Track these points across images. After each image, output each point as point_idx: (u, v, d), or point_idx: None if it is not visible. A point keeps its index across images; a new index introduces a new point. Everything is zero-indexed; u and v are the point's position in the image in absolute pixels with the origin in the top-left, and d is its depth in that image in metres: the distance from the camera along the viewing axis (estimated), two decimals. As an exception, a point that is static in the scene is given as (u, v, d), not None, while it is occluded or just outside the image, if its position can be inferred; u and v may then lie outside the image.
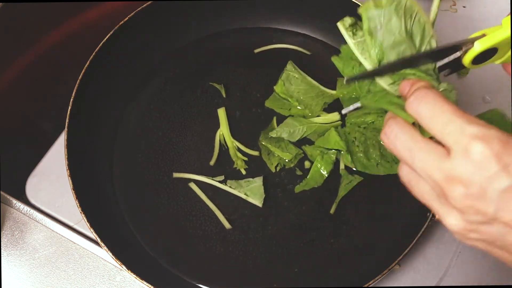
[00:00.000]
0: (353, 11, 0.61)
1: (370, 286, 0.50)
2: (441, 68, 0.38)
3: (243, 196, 0.57)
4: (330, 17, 0.65)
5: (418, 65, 0.38)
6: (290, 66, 0.62)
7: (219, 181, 0.57)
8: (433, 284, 0.57)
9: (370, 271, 0.52)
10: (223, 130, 0.60)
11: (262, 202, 0.56)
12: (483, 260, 0.58)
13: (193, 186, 0.58)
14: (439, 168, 0.30)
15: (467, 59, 0.36)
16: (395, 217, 0.56)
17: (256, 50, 0.65)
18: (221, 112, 0.61)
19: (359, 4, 0.60)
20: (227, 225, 0.56)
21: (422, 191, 0.32)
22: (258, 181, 0.57)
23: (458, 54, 0.36)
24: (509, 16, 0.35)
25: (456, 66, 0.37)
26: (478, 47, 0.35)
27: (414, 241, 0.51)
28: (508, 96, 0.65)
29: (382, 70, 0.37)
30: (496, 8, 0.72)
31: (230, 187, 0.57)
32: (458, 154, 0.29)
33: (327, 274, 0.55)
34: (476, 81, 0.67)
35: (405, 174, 0.33)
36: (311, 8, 0.65)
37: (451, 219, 0.30)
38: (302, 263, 0.55)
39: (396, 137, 0.32)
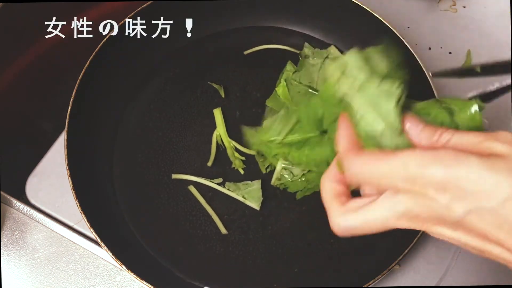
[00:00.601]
0: (352, 11, 0.61)
1: (370, 286, 0.50)
2: (494, 95, 0.37)
3: (241, 199, 0.57)
4: (330, 17, 0.65)
5: (499, 73, 0.36)
6: (290, 67, 0.62)
7: (218, 183, 0.57)
8: (433, 284, 0.57)
9: (370, 271, 0.52)
10: (220, 130, 0.60)
11: (260, 205, 0.56)
12: (483, 260, 0.58)
13: (192, 189, 0.58)
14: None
15: None
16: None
17: (246, 52, 0.65)
18: (217, 112, 0.61)
19: (359, 4, 0.60)
20: (223, 230, 0.56)
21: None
22: (256, 184, 0.57)
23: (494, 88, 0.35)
24: None
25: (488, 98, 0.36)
26: None
27: (414, 241, 0.51)
28: (508, 96, 0.65)
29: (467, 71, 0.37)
30: (496, 8, 0.72)
31: (228, 189, 0.57)
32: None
33: (327, 274, 0.55)
34: (476, 81, 0.67)
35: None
36: (311, 8, 0.65)
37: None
38: (302, 263, 0.55)
39: (360, 171, 0.33)
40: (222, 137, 0.60)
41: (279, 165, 0.56)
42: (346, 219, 0.33)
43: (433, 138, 0.32)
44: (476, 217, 0.28)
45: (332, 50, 0.62)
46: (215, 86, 0.63)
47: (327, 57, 0.61)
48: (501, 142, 0.29)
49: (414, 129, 0.34)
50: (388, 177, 0.30)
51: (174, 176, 0.58)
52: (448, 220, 0.29)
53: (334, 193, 0.35)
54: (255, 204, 0.56)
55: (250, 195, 0.57)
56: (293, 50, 0.65)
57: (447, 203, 0.28)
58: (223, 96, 0.63)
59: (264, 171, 0.58)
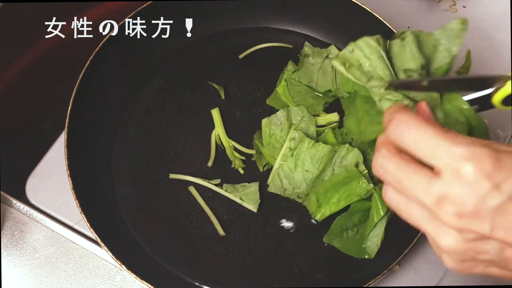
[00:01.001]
0: (352, 11, 0.61)
1: (370, 286, 0.50)
2: (470, 103, 0.37)
3: (238, 201, 0.56)
4: (330, 17, 0.65)
5: (448, 90, 0.37)
6: (290, 66, 0.62)
7: (216, 184, 0.57)
8: (433, 284, 0.57)
9: (370, 271, 0.52)
10: (218, 130, 0.60)
11: (257, 208, 0.56)
12: (483, 260, 0.58)
13: (192, 190, 0.58)
14: (429, 191, 0.29)
15: (497, 98, 0.35)
16: (395, 217, 0.56)
17: (241, 56, 0.65)
18: (215, 113, 0.61)
19: (359, 4, 0.60)
20: (221, 232, 0.56)
21: (412, 214, 0.32)
22: (254, 187, 0.57)
23: (489, 90, 0.35)
24: None
25: (485, 104, 0.36)
26: (509, 88, 0.34)
27: (414, 241, 0.51)
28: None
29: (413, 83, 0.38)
30: (496, 8, 0.72)
31: (226, 190, 0.57)
32: (448, 176, 0.29)
33: (327, 274, 0.55)
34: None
35: (392, 199, 0.33)
36: (311, 8, 0.65)
37: (445, 240, 0.30)
38: (302, 263, 0.55)
39: (384, 170, 0.32)
40: (220, 137, 0.60)
41: (277, 164, 0.56)
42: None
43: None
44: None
45: (333, 49, 0.62)
46: (216, 86, 0.63)
47: (327, 56, 0.61)
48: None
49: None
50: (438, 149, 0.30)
51: (172, 176, 0.58)
52: (485, 209, 0.28)
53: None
54: (252, 206, 0.56)
55: (247, 197, 0.57)
56: (284, 45, 0.65)
57: (488, 190, 0.28)
58: (223, 97, 0.63)
59: (261, 169, 0.58)
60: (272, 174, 0.57)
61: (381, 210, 0.52)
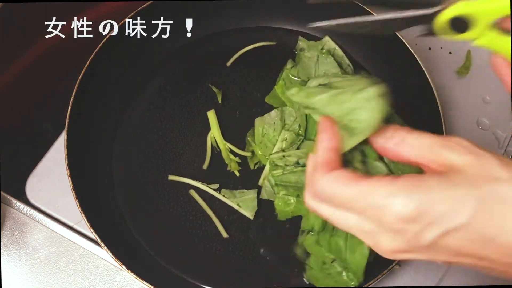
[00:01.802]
0: (352, 11, 0.61)
1: (370, 286, 0.50)
2: (409, 22, 0.34)
3: (236, 207, 0.56)
4: (330, 17, 0.65)
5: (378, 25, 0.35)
6: (290, 65, 0.62)
7: (214, 189, 0.57)
8: (433, 284, 0.57)
9: (370, 271, 0.52)
10: (214, 133, 0.60)
11: (254, 215, 0.56)
12: (483, 260, 0.58)
13: (192, 193, 0.58)
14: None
15: (440, 20, 0.33)
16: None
17: (236, 56, 0.65)
18: (211, 114, 0.61)
19: (359, 4, 0.60)
20: (224, 234, 0.56)
21: (348, 224, 0.32)
22: (252, 194, 0.57)
23: (428, 11, 0.33)
24: None
25: (427, 29, 0.34)
26: (449, 12, 0.32)
27: (414, 241, 0.51)
28: (508, 96, 0.65)
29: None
30: (496, 8, 0.72)
31: (224, 196, 0.57)
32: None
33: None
34: (476, 81, 0.67)
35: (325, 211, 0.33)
36: (310, 8, 0.65)
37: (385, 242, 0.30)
38: (302, 263, 0.55)
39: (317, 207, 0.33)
40: (216, 139, 0.60)
41: (268, 164, 0.56)
42: (330, 185, 0.32)
43: (386, 135, 0.31)
44: (447, 238, 0.27)
45: (327, 40, 0.62)
46: (214, 89, 0.63)
47: (322, 48, 0.61)
48: (457, 151, 0.28)
49: None
50: (353, 202, 0.30)
51: (171, 178, 0.58)
52: (417, 248, 0.28)
53: (326, 159, 0.33)
54: (249, 214, 0.56)
55: (245, 203, 0.56)
56: (269, 43, 0.65)
57: (416, 232, 0.28)
58: (220, 101, 0.63)
59: (252, 167, 0.58)
60: (263, 176, 0.57)
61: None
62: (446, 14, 0.32)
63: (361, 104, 0.34)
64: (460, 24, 0.33)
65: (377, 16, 0.34)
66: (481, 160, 0.27)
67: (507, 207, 0.26)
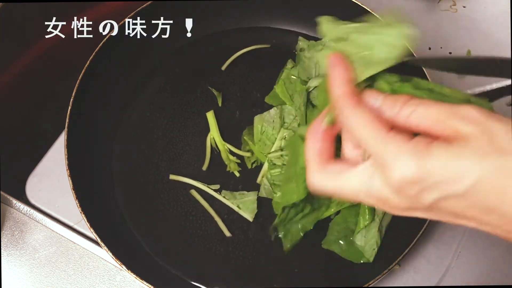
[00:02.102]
0: (352, 11, 0.61)
1: (370, 286, 0.50)
2: (501, 92, 0.34)
3: (235, 209, 0.56)
4: (328, 16, 0.65)
5: (474, 72, 0.34)
6: (290, 65, 0.62)
7: (215, 190, 0.57)
8: (433, 284, 0.57)
9: (370, 271, 0.52)
10: (213, 134, 0.60)
11: (253, 217, 0.56)
12: (483, 260, 0.58)
13: (194, 193, 0.58)
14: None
15: None
16: (395, 217, 0.56)
17: (223, 67, 0.65)
18: (210, 115, 0.61)
19: (359, 4, 0.60)
20: (227, 233, 0.56)
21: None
22: (252, 196, 0.57)
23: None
24: None
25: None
26: None
27: (414, 241, 0.51)
28: (508, 96, 0.65)
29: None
30: (496, 8, 0.72)
31: (224, 197, 0.57)
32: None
33: (327, 274, 0.55)
34: (476, 81, 0.67)
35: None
36: (310, 8, 0.65)
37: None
38: (302, 263, 0.55)
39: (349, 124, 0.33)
40: (216, 140, 0.60)
41: (266, 165, 0.56)
42: (321, 180, 0.33)
43: (395, 109, 0.31)
44: (446, 202, 0.29)
45: (327, 40, 0.61)
46: (214, 92, 0.63)
47: (322, 48, 0.61)
48: (466, 121, 0.28)
49: (374, 101, 0.33)
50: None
51: (172, 177, 0.58)
52: (419, 206, 0.30)
53: (317, 150, 0.34)
54: (248, 216, 0.56)
55: (245, 205, 0.56)
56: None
57: (415, 194, 0.29)
58: (220, 104, 0.63)
59: (249, 166, 0.58)
60: (262, 174, 0.57)
61: (367, 216, 0.52)
62: None
63: (385, 37, 0.34)
64: None
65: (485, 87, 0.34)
66: (488, 132, 0.28)
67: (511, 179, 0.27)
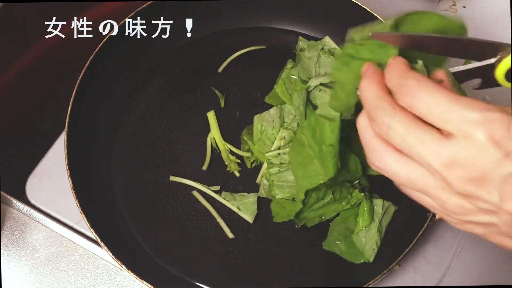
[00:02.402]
0: (352, 11, 0.61)
1: (370, 286, 0.50)
2: (469, 75, 0.33)
3: (235, 210, 0.56)
4: (330, 17, 0.65)
5: (444, 52, 0.33)
6: (290, 64, 0.62)
7: (215, 191, 0.57)
8: (433, 284, 0.57)
9: (370, 271, 0.52)
10: (214, 134, 0.60)
11: (253, 219, 0.56)
12: (483, 260, 0.58)
13: (196, 194, 0.58)
14: (439, 153, 0.29)
15: (500, 71, 0.31)
16: (395, 217, 0.56)
17: (222, 67, 0.65)
18: (211, 115, 0.61)
19: (359, 4, 0.60)
20: (230, 234, 0.56)
21: (414, 175, 0.31)
22: (252, 197, 0.57)
23: (491, 60, 0.31)
24: None
25: (487, 79, 0.32)
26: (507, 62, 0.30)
27: (414, 241, 0.51)
28: (508, 96, 0.65)
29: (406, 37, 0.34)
30: (496, 8, 0.72)
31: (224, 198, 0.57)
32: (460, 140, 0.28)
33: (327, 274, 0.55)
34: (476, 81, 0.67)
35: (389, 161, 0.32)
36: (310, 9, 0.65)
37: (451, 202, 0.30)
38: (302, 263, 0.55)
39: (389, 127, 0.31)
40: (216, 140, 0.60)
41: (265, 165, 0.56)
42: (385, 160, 0.31)
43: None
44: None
45: (327, 40, 0.62)
46: (217, 93, 0.63)
47: (322, 48, 0.61)
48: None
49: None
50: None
51: (172, 178, 0.58)
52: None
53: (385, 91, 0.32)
54: (248, 217, 0.56)
55: (244, 207, 0.56)
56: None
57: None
58: (222, 106, 0.62)
59: (249, 166, 0.59)
60: (261, 174, 0.57)
61: (366, 217, 0.52)
62: (506, 64, 0.31)
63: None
64: None
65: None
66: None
67: None
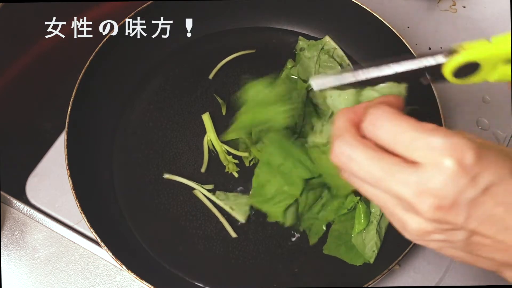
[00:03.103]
0: (353, 11, 0.61)
1: (370, 286, 0.50)
2: (420, 73, 0.34)
3: (228, 210, 0.56)
4: (330, 17, 0.65)
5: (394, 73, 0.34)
6: (290, 64, 0.62)
7: (208, 190, 0.57)
8: (433, 284, 0.57)
9: (370, 271, 0.52)
10: (210, 135, 0.60)
11: (246, 219, 0.56)
12: (483, 260, 0.57)
13: (197, 193, 0.57)
14: (407, 183, 0.29)
15: (447, 69, 0.33)
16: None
17: (211, 75, 0.65)
18: (206, 117, 0.61)
19: (359, 4, 0.60)
20: (233, 234, 0.56)
21: (385, 204, 0.31)
22: (245, 198, 0.57)
23: (441, 59, 0.33)
24: (505, 35, 0.33)
25: (437, 76, 0.34)
26: (460, 58, 0.32)
27: (414, 241, 0.51)
28: (508, 96, 0.65)
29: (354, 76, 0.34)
30: (496, 8, 0.72)
31: (217, 198, 0.57)
32: (428, 168, 0.28)
33: (327, 274, 0.55)
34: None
35: (365, 190, 0.32)
36: (310, 9, 0.65)
37: (415, 224, 0.30)
38: (302, 263, 0.55)
39: (350, 159, 0.31)
40: (213, 142, 0.60)
41: None
42: (357, 151, 0.30)
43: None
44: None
45: (327, 39, 0.62)
46: (219, 100, 0.63)
47: (322, 48, 0.61)
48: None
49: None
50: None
51: (167, 176, 0.58)
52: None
53: (351, 120, 0.32)
54: (241, 217, 0.56)
55: (238, 207, 0.56)
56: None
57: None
58: (224, 113, 0.62)
59: (247, 164, 0.58)
60: None
61: (362, 220, 0.53)
62: (453, 63, 0.33)
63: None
64: (467, 69, 0.33)
65: (385, 71, 0.34)
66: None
67: None
